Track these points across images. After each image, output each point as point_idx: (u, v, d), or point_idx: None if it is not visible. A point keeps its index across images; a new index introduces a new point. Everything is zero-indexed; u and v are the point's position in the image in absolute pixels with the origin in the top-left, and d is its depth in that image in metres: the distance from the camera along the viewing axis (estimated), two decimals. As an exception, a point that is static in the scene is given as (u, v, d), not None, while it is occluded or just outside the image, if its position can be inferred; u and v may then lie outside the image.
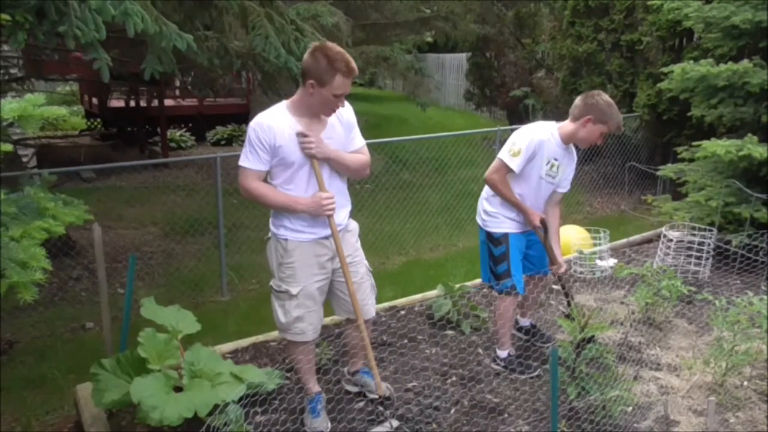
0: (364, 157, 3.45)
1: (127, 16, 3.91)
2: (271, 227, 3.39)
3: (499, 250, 4.04)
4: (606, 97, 3.90)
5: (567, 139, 3.97)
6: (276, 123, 3.19)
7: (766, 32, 6.24)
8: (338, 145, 3.32)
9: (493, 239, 4.06)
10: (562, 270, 4.17)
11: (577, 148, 4.13)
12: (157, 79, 5.10)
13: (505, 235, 4.02)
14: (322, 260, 3.37)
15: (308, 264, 3.33)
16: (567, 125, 3.97)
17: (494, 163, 3.96)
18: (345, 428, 3.52)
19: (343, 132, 3.36)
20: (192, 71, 8.43)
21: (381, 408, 3.64)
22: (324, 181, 3.27)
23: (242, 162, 3.24)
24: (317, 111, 3.23)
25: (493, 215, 4.05)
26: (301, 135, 3.17)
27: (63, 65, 10.73)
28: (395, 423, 3.54)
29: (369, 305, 3.61)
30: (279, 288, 3.37)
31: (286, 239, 3.31)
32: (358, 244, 3.57)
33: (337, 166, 3.33)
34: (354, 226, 3.58)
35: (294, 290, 3.33)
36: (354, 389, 3.89)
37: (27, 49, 7.43)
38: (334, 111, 3.24)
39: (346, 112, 3.38)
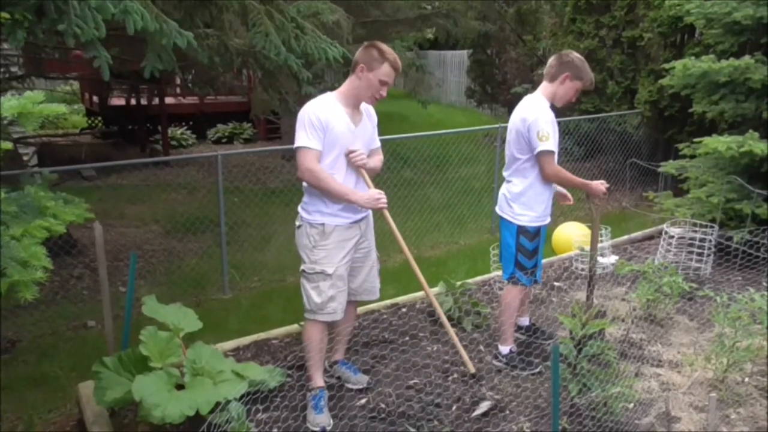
0: (381, 157, 3.83)
1: (127, 14, 3.90)
2: (303, 215, 3.60)
3: (534, 244, 4.04)
4: (578, 54, 4.01)
5: (551, 100, 4.03)
6: (328, 107, 3.49)
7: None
8: (368, 139, 3.68)
9: (528, 234, 4.02)
10: (605, 184, 4.12)
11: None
12: (158, 77, 5.09)
13: (539, 229, 4.04)
14: (352, 243, 3.64)
15: (342, 246, 3.58)
16: (547, 87, 4.02)
17: (542, 160, 3.89)
18: (347, 425, 3.53)
19: (371, 130, 3.72)
20: (192, 69, 8.43)
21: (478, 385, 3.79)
22: (353, 179, 3.59)
23: (304, 143, 3.44)
24: (362, 96, 3.54)
25: (529, 207, 4.00)
26: (350, 152, 3.51)
27: (63, 63, 10.74)
28: (488, 403, 3.70)
29: (376, 287, 3.94)
30: (312, 270, 3.55)
31: (322, 224, 3.54)
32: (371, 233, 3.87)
33: (370, 172, 3.69)
34: (370, 213, 3.84)
35: (329, 270, 3.53)
36: (330, 381, 3.96)
37: (27, 48, 7.43)
38: (376, 99, 3.55)
39: (372, 114, 3.75)
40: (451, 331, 3.76)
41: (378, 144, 3.78)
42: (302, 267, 3.60)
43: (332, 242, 3.53)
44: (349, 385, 3.91)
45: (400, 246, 3.75)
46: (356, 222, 3.62)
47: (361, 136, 3.60)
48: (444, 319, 3.79)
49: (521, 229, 4.02)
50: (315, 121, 3.42)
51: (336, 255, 3.54)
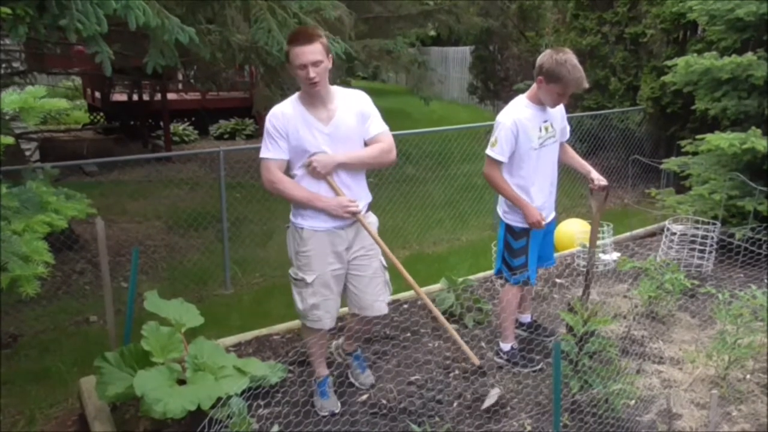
0: (382, 144, 3.42)
1: (129, 9, 3.90)
2: (291, 216, 3.47)
3: (519, 243, 4.00)
4: (560, 55, 3.70)
5: (537, 101, 3.90)
6: (288, 110, 3.28)
7: (771, 25, 6.22)
8: (350, 133, 3.35)
9: (513, 232, 4.01)
10: (604, 181, 4.07)
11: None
12: (160, 73, 5.10)
13: (526, 230, 3.97)
14: (338, 249, 3.43)
15: (324, 253, 3.39)
16: (532, 88, 3.92)
17: (485, 160, 3.92)
18: (348, 421, 3.53)
19: (356, 122, 3.37)
20: (195, 65, 8.43)
21: (484, 378, 3.86)
22: (337, 185, 3.34)
23: (263, 154, 3.31)
24: (304, 90, 3.28)
25: (515, 209, 3.97)
26: (306, 165, 3.29)
27: (65, 59, 10.72)
28: (496, 390, 3.71)
29: (380, 301, 3.63)
30: (296, 276, 3.47)
31: (302, 228, 3.38)
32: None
33: (352, 167, 3.37)
34: (373, 219, 3.61)
35: (309, 278, 3.41)
36: (338, 359, 4.04)
37: (29, 43, 7.42)
38: (313, 84, 3.18)
39: (359, 102, 3.40)
40: (450, 327, 3.69)
41: (374, 133, 3.40)
42: (289, 270, 3.53)
43: (312, 249, 3.38)
44: (353, 381, 3.91)
45: (385, 251, 3.54)
46: (340, 228, 3.39)
47: (336, 131, 3.31)
48: (439, 315, 3.68)
49: (508, 228, 4.04)
50: (271, 130, 3.26)
51: (317, 263, 3.39)
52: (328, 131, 3.30)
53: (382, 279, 3.62)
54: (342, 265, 3.49)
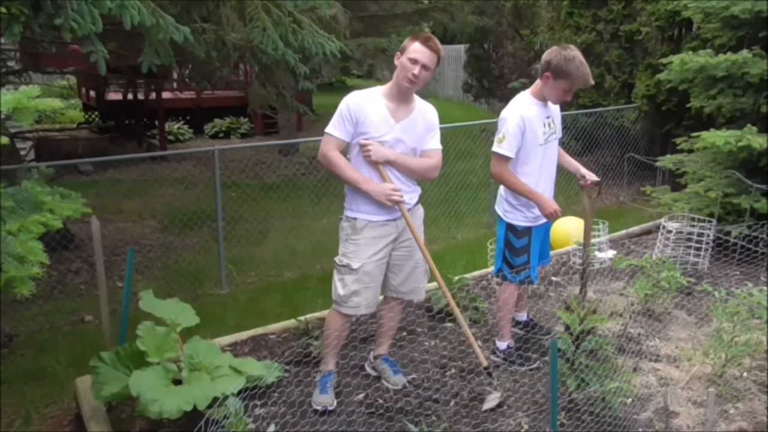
0: (431, 161, 3.62)
1: (124, 8, 3.88)
2: (345, 206, 3.61)
3: (522, 242, 4.00)
4: (568, 51, 3.75)
5: (541, 98, 3.91)
6: (367, 101, 3.47)
7: (766, 22, 6.22)
8: (415, 138, 3.54)
9: (515, 231, 4.00)
10: (594, 177, 4.05)
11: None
12: (155, 72, 5.08)
13: (528, 228, 3.98)
14: (386, 240, 3.58)
15: (373, 243, 3.54)
16: (536, 84, 3.92)
17: (493, 158, 3.89)
18: (345, 421, 3.52)
19: (423, 129, 3.58)
20: (190, 64, 8.40)
21: (490, 379, 3.87)
22: (387, 174, 3.50)
23: (329, 129, 3.49)
24: (399, 82, 3.44)
25: (517, 208, 3.97)
26: (362, 145, 3.45)
27: (60, 58, 10.71)
28: (497, 394, 3.74)
29: (420, 288, 3.87)
30: (341, 262, 3.56)
31: (355, 218, 3.53)
32: (422, 229, 3.74)
33: (399, 168, 3.53)
34: (420, 212, 3.76)
35: (355, 264, 3.51)
36: (373, 373, 4.01)
37: (24, 42, 7.40)
38: (411, 81, 3.40)
39: (431, 113, 3.64)
40: (466, 326, 3.66)
41: (431, 147, 3.60)
42: (335, 258, 3.62)
43: (363, 238, 3.51)
44: (387, 384, 3.90)
45: (420, 245, 3.62)
46: (392, 220, 3.55)
47: (403, 133, 3.48)
48: (459, 315, 3.67)
49: (509, 227, 4.03)
50: (345, 112, 3.43)
51: (365, 251, 3.51)
52: (398, 128, 3.48)
53: (422, 268, 3.80)
54: (386, 255, 3.62)
